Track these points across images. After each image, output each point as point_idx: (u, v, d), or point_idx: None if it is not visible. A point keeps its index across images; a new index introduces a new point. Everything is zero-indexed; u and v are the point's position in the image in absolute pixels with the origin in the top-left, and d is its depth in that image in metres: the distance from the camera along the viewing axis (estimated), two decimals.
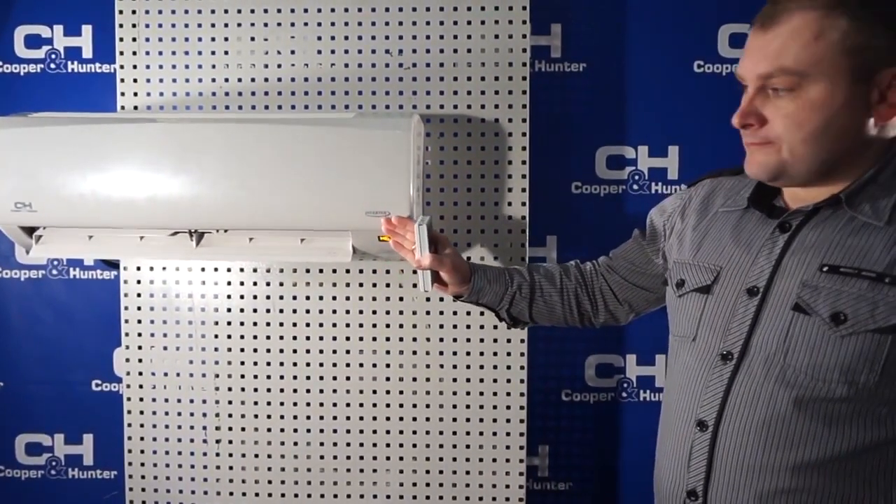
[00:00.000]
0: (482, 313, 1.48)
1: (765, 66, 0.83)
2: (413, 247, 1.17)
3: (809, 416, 0.82)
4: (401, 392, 1.50)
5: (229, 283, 1.50)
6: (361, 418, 1.51)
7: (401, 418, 1.51)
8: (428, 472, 1.51)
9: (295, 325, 1.50)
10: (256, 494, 1.53)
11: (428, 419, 1.51)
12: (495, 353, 1.49)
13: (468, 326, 1.49)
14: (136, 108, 1.49)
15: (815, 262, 0.84)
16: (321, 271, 1.49)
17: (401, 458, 1.51)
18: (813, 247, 0.85)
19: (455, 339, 1.49)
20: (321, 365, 1.50)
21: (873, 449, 0.81)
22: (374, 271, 1.49)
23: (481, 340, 1.49)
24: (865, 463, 0.81)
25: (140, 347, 1.52)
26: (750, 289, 0.88)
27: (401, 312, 1.49)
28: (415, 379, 1.50)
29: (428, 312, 1.49)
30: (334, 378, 1.51)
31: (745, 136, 0.88)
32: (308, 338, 1.50)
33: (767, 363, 0.85)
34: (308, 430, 1.51)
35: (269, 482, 1.52)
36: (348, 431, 1.51)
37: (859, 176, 0.84)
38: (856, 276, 0.80)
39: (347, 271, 1.49)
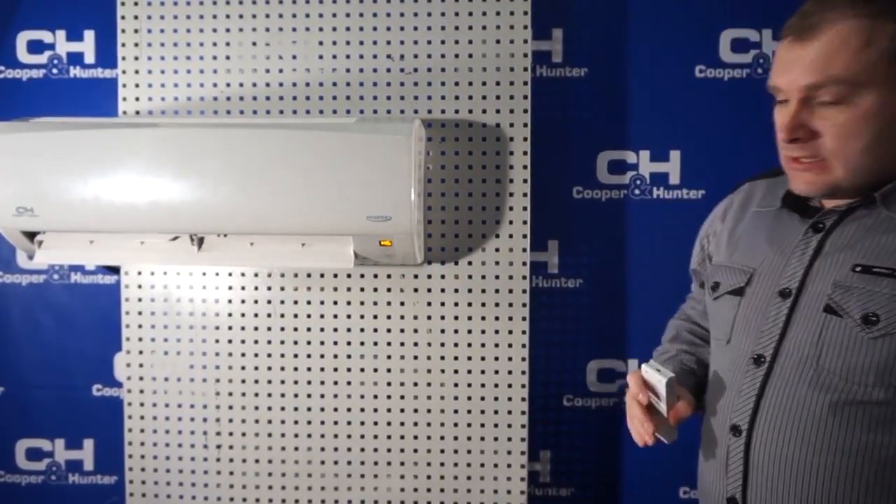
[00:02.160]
0: (483, 318, 1.48)
1: (812, 76, 0.79)
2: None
3: (846, 421, 0.79)
4: (402, 398, 1.50)
5: (230, 288, 1.50)
6: (362, 423, 1.51)
7: (402, 423, 1.50)
8: (429, 477, 1.51)
9: (296, 329, 1.50)
10: (257, 500, 1.52)
11: (429, 424, 1.50)
12: (496, 359, 1.48)
13: (469, 332, 1.48)
14: (137, 112, 1.49)
15: (848, 263, 0.82)
16: (322, 276, 1.49)
17: (402, 464, 1.51)
18: (846, 247, 0.83)
19: (456, 345, 1.49)
20: (322, 370, 1.50)
21: None
22: (375, 276, 1.49)
23: (482, 346, 1.48)
24: None
25: (141, 352, 1.52)
26: (782, 291, 0.86)
27: (402, 318, 1.49)
28: (416, 384, 1.50)
29: (429, 317, 1.49)
30: (335, 383, 1.50)
31: (791, 150, 0.84)
32: (309, 343, 1.50)
33: (800, 366, 0.83)
34: (309, 436, 1.51)
35: (270, 487, 1.52)
36: (349, 437, 1.51)
37: None
38: (889, 276, 0.78)
39: (348, 276, 1.49)
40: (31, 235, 1.37)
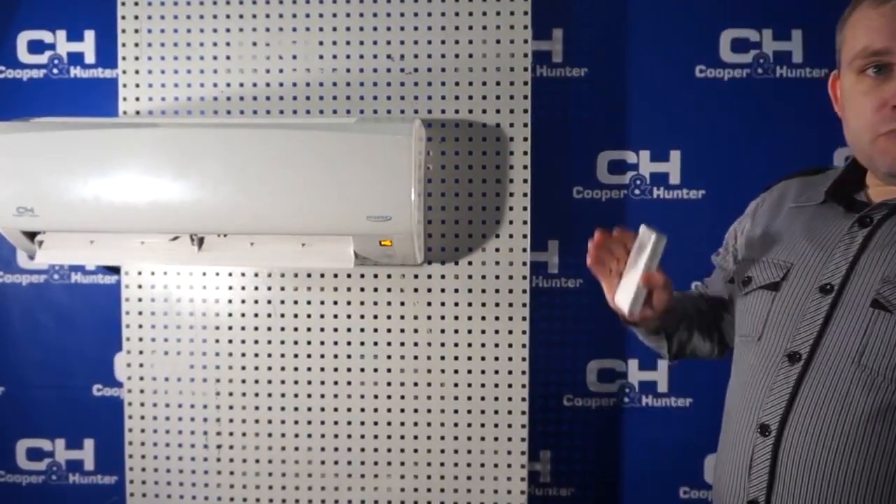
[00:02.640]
0: (483, 318, 1.48)
1: None
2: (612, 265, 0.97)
3: (889, 425, 0.75)
4: (402, 398, 1.50)
5: (230, 288, 1.50)
6: (362, 423, 1.51)
7: (402, 423, 1.50)
8: (429, 477, 1.51)
9: (296, 329, 1.50)
10: (257, 500, 1.52)
11: (429, 424, 1.50)
12: (496, 359, 1.48)
13: (469, 332, 1.48)
14: (137, 112, 1.49)
15: None
16: (322, 276, 1.49)
17: (402, 464, 1.51)
18: None
19: (456, 345, 1.49)
20: (322, 370, 1.50)
21: None
22: (375, 276, 1.49)
23: (482, 345, 1.48)
24: None
25: (141, 352, 1.52)
26: (823, 286, 0.82)
27: (402, 318, 1.49)
28: (416, 384, 1.50)
29: (429, 317, 1.49)
30: (335, 383, 1.50)
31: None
32: (309, 343, 1.50)
33: (841, 365, 0.78)
34: (309, 436, 1.51)
35: (270, 487, 1.52)
36: (349, 437, 1.51)
37: None
38: None
39: (348, 276, 1.49)
40: (31, 235, 1.37)
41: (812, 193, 0.91)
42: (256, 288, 1.50)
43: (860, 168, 0.88)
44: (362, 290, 1.49)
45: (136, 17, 1.47)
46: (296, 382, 1.51)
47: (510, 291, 1.47)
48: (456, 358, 1.49)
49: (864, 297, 0.79)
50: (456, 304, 1.48)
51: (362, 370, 1.50)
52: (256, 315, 1.50)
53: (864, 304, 0.78)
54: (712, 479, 1.00)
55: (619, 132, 1.57)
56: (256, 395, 1.51)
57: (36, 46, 1.59)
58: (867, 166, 0.86)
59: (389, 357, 1.49)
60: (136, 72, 1.48)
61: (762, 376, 0.85)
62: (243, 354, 1.51)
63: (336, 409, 1.51)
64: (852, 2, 0.84)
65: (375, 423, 1.51)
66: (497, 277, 1.47)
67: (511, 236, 1.47)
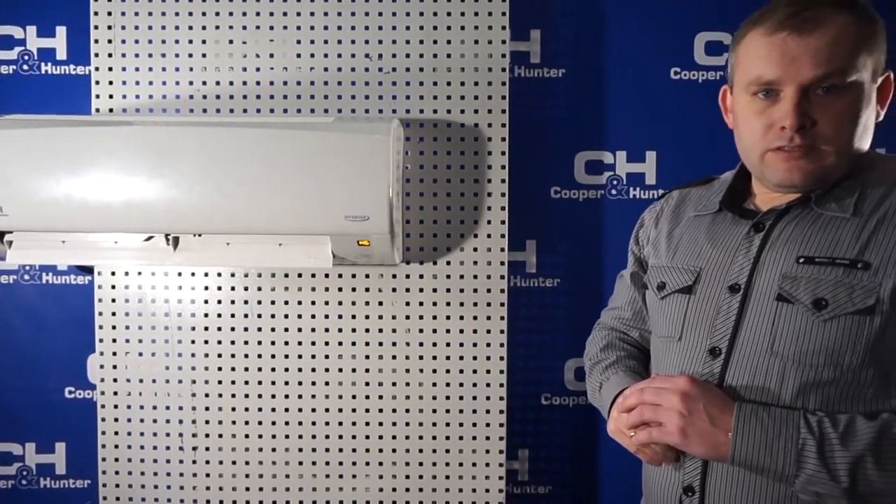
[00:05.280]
0: (462, 317, 1.48)
1: (822, 66, 0.85)
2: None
3: (800, 404, 0.84)
4: (380, 397, 1.50)
5: (206, 289, 1.49)
6: (340, 424, 1.50)
7: (380, 423, 1.50)
8: (408, 476, 1.51)
9: (273, 330, 1.49)
10: (234, 502, 1.51)
11: (408, 424, 1.50)
12: (475, 358, 1.49)
13: (448, 331, 1.49)
14: (111, 110, 1.47)
15: (792, 256, 0.88)
16: (300, 276, 1.48)
17: (380, 464, 1.51)
18: (788, 242, 0.90)
19: (435, 344, 1.49)
20: (300, 370, 1.49)
21: None
22: (354, 276, 1.48)
23: (461, 345, 1.49)
24: None
25: (115, 354, 1.50)
26: (732, 286, 0.92)
27: (380, 318, 1.49)
28: (394, 384, 1.50)
29: (407, 317, 1.49)
30: (313, 384, 1.50)
31: (793, 139, 0.87)
32: (286, 343, 1.49)
33: (756, 354, 0.88)
34: (286, 437, 1.50)
35: (247, 489, 1.51)
36: (327, 437, 1.50)
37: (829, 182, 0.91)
38: (830, 264, 0.86)
39: (326, 276, 1.48)
40: (0, 235, 1.34)
41: (708, 203, 1.03)
42: (233, 288, 1.49)
43: (747, 176, 1.00)
44: (340, 290, 1.49)
45: (110, 13, 1.45)
46: (273, 383, 1.49)
47: (488, 291, 1.48)
48: (434, 358, 1.49)
49: (768, 292, 0.89)
50: (434, 304, 1.48)
51: (340, 370, 1.49)
52: (233, 316, 1.49)
53: (769, 299, 0.88)
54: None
55: (596, 133, 1.59)
56: (233, 396, 1.50)
57: (5, 42, 1.56)
58: (757, 178, 0.97)
59: (368, 357, 1.49)
60: (110, 69, 1.46)
61: (687, 371, 0.93)
62: (219, 355, 1.49)
63: (314, 410, 1.50)
64: (743, 24, 0.93)
65: (354, 423, 1.50)
66: (475, 277, 1.48)
67: (489, 236, 1.48)
